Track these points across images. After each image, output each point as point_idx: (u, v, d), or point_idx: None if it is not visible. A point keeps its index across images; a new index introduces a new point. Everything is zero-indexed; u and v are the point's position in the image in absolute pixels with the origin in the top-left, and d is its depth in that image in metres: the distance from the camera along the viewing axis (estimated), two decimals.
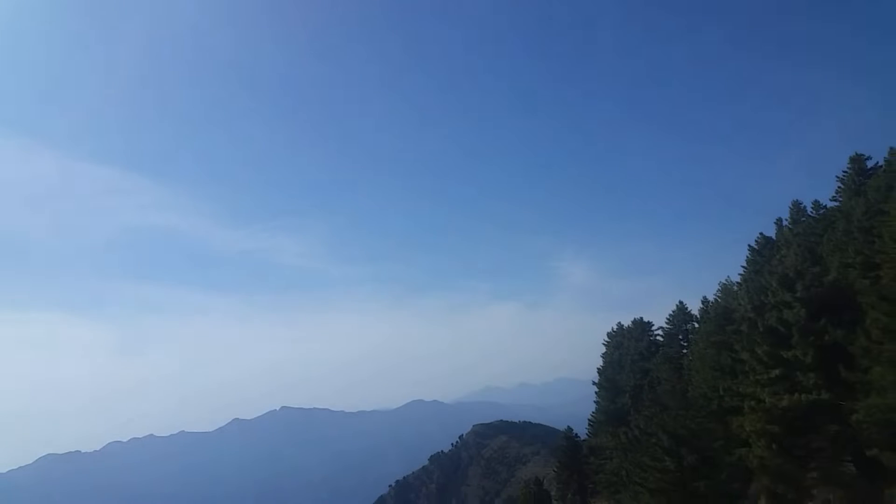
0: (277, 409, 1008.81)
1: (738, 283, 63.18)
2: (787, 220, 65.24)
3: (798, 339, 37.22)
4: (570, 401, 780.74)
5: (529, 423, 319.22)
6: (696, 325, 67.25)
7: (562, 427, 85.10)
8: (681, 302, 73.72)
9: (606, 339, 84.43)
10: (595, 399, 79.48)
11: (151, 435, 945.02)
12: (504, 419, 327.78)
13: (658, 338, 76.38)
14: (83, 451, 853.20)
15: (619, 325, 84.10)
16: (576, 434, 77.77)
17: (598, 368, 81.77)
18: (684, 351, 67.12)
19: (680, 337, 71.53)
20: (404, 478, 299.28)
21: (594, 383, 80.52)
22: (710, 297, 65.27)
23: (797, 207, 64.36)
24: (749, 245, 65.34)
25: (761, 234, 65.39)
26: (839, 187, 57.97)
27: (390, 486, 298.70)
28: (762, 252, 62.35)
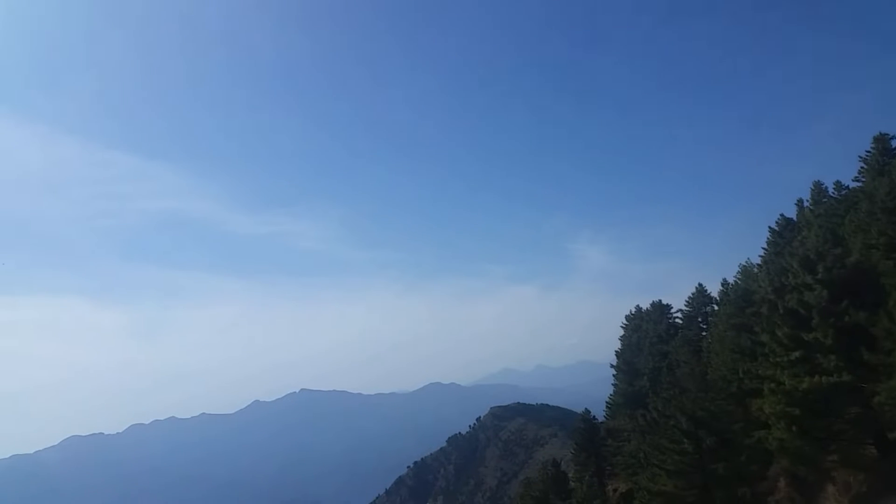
0: (297, 391, 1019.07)
1: (758, 265, 62.61)
2: (808, 201, 64.44)
3: (818, 322, 36.76)
4: (588, 383, 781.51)
5: (547, 405, 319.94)
6: (716, 308, 66.86)
7: (579, 409, 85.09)
8: (700, 284, 73.36)
9: (625, 321, 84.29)
10: (613, 382, 79.52)
11: (173, 417, 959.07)
12: (521, 401, 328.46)
13: (677, 320, 76.11)
14: (106, 432, 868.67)
15: (638, 308, 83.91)
16: (593, 416, 77.69)
17: (616, 351, 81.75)
18: (703, 333, 66.83)
19: (699, 319, 71.18)
20: (422, 459, 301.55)
21: (612, 366, 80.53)
22: (730, 280, 64.88)
23: (818, 188, 63.48)
24: (769, 227, 64.71)
25: (782, 215, 64.71)
26: (862, 167, 56.98)
27: (408, 467, 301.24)
28: (783, 234, 61.71)
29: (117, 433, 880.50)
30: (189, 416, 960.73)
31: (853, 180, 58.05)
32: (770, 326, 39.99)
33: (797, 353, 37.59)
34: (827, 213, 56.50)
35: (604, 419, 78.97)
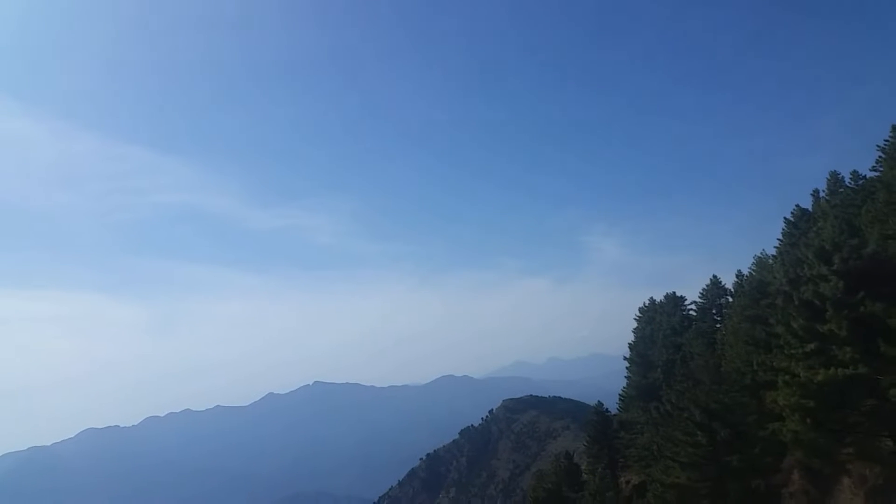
0: (310, 384, 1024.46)
1: (773, 256, 62.10)
2: (824, 191, 63.78)
3: (833, 313, 36.43)
4: (601, 376, 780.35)
5: (559, 397, 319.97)
6: (730, 300, 66.43)
7: (592, 402, 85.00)
8: (714, 276, 72.91)
9: (638, 314, 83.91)
10: (626, 374, 79.22)
11: (188, 410, 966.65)
12: (534, 394, 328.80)
13: (691, 312, 75.69)
14: (122, 425, 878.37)
15: (652, 300, 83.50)
16: (606, 409, 77.55)
17: (629, 343, 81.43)
18: (718, 325, 66.40)
19: (713, 311, 70.75)
20: (435, 451, 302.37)
21: (625, 358, 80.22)
22: (745, 271, 64.42)
23: (835, 178, 62.76)
24: (785, 217, 64.10)
25: (797, 205, 64.06)
26: (880, 157, 56.13)
27: (421, 459, 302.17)
28: (798, 224, 61.12)
29: (133, 426, 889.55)
30: (204, 409, 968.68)
31: (870, 170, 57.15)
32: (785, 318, 39.67)
33: (812, 345, 37.28)
34: (843, 203, 55.87)
35: (616, 412, 78.77)
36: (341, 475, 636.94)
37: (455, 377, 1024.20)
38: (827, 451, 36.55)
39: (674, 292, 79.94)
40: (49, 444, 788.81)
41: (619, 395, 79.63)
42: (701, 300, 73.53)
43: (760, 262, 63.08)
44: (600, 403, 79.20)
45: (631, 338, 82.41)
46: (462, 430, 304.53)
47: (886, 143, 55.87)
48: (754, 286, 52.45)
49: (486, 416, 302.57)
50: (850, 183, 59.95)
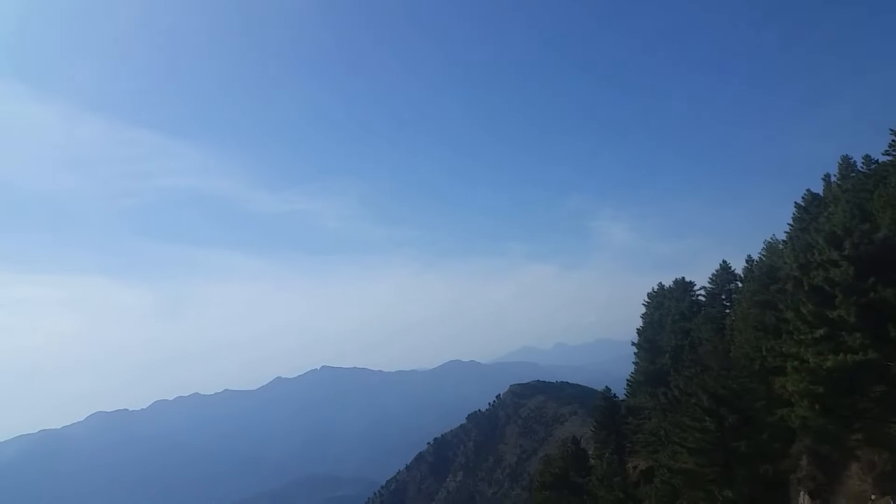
0: (318, 368, 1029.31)
1: (783, 241, 61.77)
2: (835, 175, 63.25)
3: (843, 299, 36.18)
4: (608, 361, 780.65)
5: (567, 383, 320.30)
6: (740, 285, 66.16)
7: (599, 387, 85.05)
8: (724, 261, 72.58)
9: (646, 299, 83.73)
10: (634, 360, 79.15)
11: (196, 393, 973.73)
12: (541, 379, 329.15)
13: (700, 298, 75.44)
14: (131, 409, 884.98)
15: (660, 286, 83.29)
16: (614, 394, 77.60)
17: (637, 329, 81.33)
18: (727, 311, 66.18)
19: (723, 297, 70.51)
20: (442, 436, 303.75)
21: (633, 344, 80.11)
22: (755, 256, 64.11)
23: (847, 162, 62.19)
24: (796, 202, 63.70)
25: (808, 190, 63.69)
26: (893, 141, 55.61)
27: (429, 443, 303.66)
28: (809, 209, 60.74)
29: (142, 409, 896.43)
30: (212, 393, 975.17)
31: (883, 154, 56.53)
32: (795, 303, 39.42)
33: (822, 331, 37.03)
34: (855, 187, 55.33)
35: (624, 397, 78.82)
36: (349, 458, 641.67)
37: (462, 362, 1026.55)
38: (835, 437, 36.43)
39: (683, 277, 79.77)
40: (59, 427, 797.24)
41: (627, 380, 79.65)
42: (710, 285, 73.29)
43: (771, 247, 62.77)
44: (608, 389, 79.29)
45: (639, 323, 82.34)
46: (469, 415, 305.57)
47: None
48: (764, 271, 52.21)
49: (494, 401, 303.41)
50: (862, 167, 59.40)
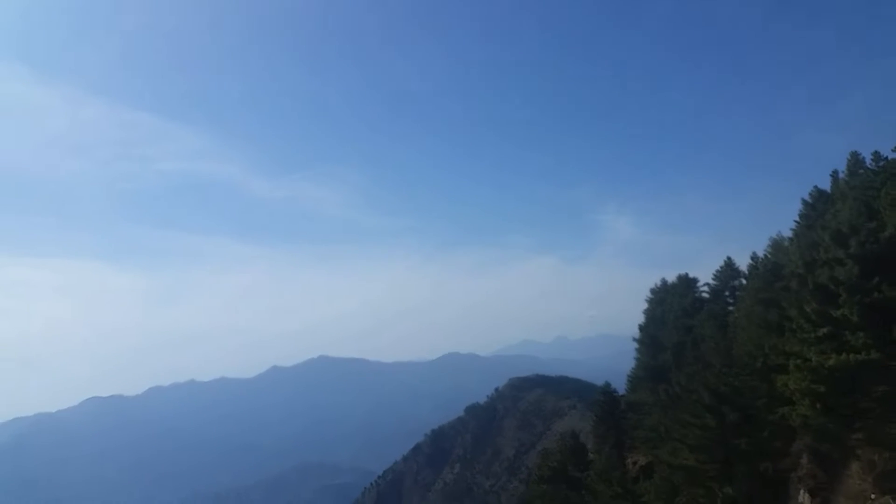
0: (315, 357, 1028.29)
1: (789, 238, 61.45)
2: (843, 172, 62.76)
3: (846, 298, 36.06)
4: (608, 356, 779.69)
5: (566, 377, 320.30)
6: (744, 282, 65.98)
7: (598, 382, 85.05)
8: (728, 258, 72.37)
9: (649, 294, 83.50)
10: (635, 355, 79.13)
11: (192, 380, 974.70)
12: (540, 373, 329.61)
13: (703, 294, 75.23)
14: (125, 394, 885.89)
15: (663, 281, 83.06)
16: (614, 389, 77.59)
17: (639, 325, 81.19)
18: (730, 308, 66.02)
19: (726, 293, 70.32)
20: (440, 427, 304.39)
21: (634, 339, 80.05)
22: (760, 253, 63.92)
23: (855, 159, 61.55)
24: (802, 199, 63.30)
25: (815, 187, 63.21)
26: None
27: (426, 434, 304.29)
28: (816, 206, 60.29)
29: (136, 395, 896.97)
30: (208, 380, 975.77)
31: (893, 151, 55.82)
32: (798, 302, 39.32)
33: (825, 330, 36.94)
34: (863, 185, 54.77)
35: (624, 392, 78.80)
36: (345, 447, 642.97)
37: (461, 354, 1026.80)
38: (836, 436, 36.37)
39: (686, 273, 79.47)
40: (54, 411, 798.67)
41: (628, 375, 79.65)
42: (714, 282, 73.09)
43: (776, 245, 62.48)
44: (608, 384, 79.29)
45: (640, 319, 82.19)
46: (467, 407, 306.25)
47: None
48: (769, 269, 52.09)
49: (492, 394, 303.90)
50: (870, 164, 58.68)
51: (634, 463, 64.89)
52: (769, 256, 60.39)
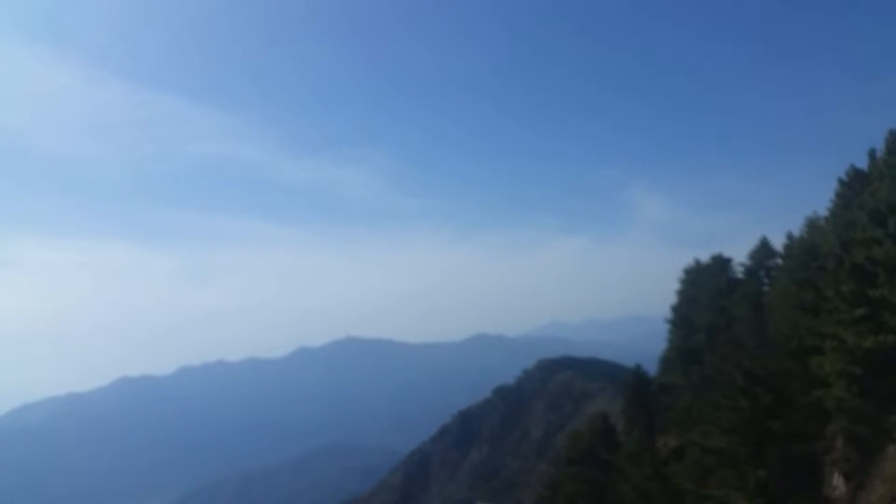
0: (342, 338, 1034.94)
1: (825, 217, 60.39)
2: (881, 150, 61.34)
3: (885, 278, 35.42)
4: (639, 338, 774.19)
5: (596, 359, 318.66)
6: (779, 262, 65.10)
7: (629, 364, 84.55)
8: (764, 237, 71.41)
9: (682, 275, 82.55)
10: (667, 336, 78.47)
11: (221, 360, 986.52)
12: (569, 354, 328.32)
13: (738, 275, 74.32)
14: (156, 374, 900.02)
15: (697, 262, 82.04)
16: (645, 371, 77.16)
17: (671, 306, 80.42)
18: (765, 288, 65.23)
19: (761, 274, 69.40)
20: (468, 408, 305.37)
21: (666, 321, 79.32)
22: (796, 233, 62.96)
23: (893, 137, 60.14)
24: (839, 177, 62.01)
25: (852, 165, 61.78)
26: None
27: (453, 415, 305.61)
28: (853, 185, 59.01)
29: (166, 375, 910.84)
30: (237, 360, 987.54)
31: None
32: (835, 282, 38.76)
33: (862, 311, 36.39)
34: None
35: (656, 374, 78.33)
36: (373, 427, 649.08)
37: (489, 335, 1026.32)
38: (872, 419, 35.92)
39: (720, 253, 78.42)
40: (85, 391, 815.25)
41: (659, 357, 79.09)
42: (748, 262, 72.15)
43: (812, 224, 61.46)
44: (639, 366, 78.85)
45: (671, 300, 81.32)
46: (495, 389, 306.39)
47: None
48: (805, 249, 51.32)
49: (521, 376, 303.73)
50: None
51: (665, 445, 64.58)
52: (805, 236, 59.47)
